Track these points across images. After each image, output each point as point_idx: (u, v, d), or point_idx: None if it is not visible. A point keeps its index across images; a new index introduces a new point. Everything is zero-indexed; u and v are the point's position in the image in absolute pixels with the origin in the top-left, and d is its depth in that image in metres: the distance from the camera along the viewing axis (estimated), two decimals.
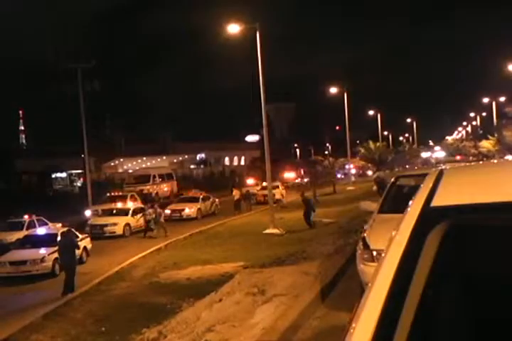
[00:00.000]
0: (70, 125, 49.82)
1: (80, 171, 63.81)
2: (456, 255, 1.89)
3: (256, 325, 9.20)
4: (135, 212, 32.53)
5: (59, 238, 20.92)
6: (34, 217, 29.78)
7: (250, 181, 55.28)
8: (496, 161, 9.26)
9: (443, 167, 2.93)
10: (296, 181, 71.21)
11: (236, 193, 42.03)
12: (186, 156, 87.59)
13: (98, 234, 29.53)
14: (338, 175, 66.87)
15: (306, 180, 65.23)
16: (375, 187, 40.02)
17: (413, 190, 2.35)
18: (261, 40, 29.73)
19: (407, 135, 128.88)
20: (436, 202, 2.01)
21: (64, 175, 73.44)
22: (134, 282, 19.25)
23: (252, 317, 9.83)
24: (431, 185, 2.18)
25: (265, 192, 37.54)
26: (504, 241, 1.85)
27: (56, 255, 20.74)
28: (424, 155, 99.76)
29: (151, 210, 31.13)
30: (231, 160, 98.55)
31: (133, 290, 18.04)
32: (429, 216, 1.93)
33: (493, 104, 73.99)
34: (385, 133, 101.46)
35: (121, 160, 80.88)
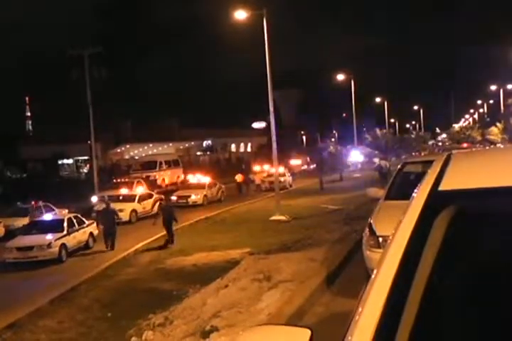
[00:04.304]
0: (76, 111, 49.76)
1: (86, 158, 63.88)
2: (464, 239, 1.87)
3: (262, 311, 9.24)
4: (142, 198, 32.57)
5: (103, 208, 25.16)
6: (41, 203, 29.95)
7: (257, 168, 55.31)
8: (503, 147, 9.23)
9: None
10: (303, 168, 71.07)
11: (238, 177, 45.24)
12: (193, 143, 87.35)
13: None
14: (350, 163, 65.32)
15: (312, 166, 65.06)
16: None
17: (420, 177, 2.33)
18: (268, 26, 29.53)
19: (413, 122, 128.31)
20: (444, 186, 1.99)
21: (70, 161, 73.47)
22: (140, 268, 19.34)
23: (258, 303, 9.86)
24: (439, 169, 2.16)
25: (271, 179, 37.56)
26: None
27: (63, 241, 21.42)
28: (431, 142, 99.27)
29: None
30: (237, 147, 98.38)
31: (139, 276, 18.12)
32: (437, 200, 1.92)
33: (501, 91, 73.63)
34: (392, 120, 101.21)
35: (128, 146, 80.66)
